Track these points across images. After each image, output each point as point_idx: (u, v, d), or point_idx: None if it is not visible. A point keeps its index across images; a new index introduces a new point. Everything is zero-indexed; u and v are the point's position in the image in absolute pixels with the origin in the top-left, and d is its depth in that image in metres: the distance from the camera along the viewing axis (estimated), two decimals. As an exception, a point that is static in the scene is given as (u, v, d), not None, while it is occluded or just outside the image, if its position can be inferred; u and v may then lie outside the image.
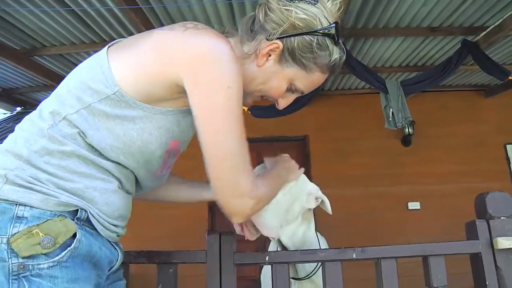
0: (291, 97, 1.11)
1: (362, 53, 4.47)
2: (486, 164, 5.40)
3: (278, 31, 0.98)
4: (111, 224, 0.97)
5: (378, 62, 4.80)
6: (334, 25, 1.00)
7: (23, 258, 0.81)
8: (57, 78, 4.53)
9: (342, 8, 1.14)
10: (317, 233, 1.56)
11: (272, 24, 0.99)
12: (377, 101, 4.54)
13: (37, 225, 0.83)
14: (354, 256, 1.30)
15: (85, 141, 0.92)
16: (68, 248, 0.85)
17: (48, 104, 0.96)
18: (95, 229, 0.94)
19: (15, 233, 0.82)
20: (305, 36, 0.99)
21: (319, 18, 0.99)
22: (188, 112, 0.98)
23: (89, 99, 0.92)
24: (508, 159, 5.54)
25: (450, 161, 5.44)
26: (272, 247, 1.67)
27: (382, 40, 4.23)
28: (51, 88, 5.07)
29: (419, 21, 3.85)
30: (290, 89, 1.07)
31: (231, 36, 1.07)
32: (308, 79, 1.05)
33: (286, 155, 1.38)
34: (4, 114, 6.28)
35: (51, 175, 0.88)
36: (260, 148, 5.78)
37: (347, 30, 3.77)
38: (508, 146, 5.55)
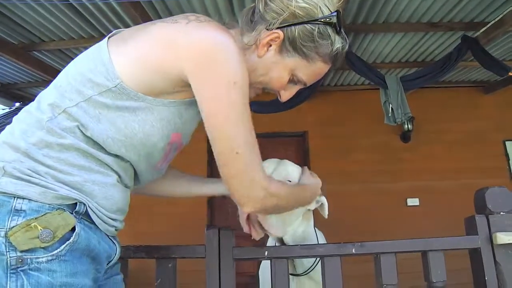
0: (293, 89, 1.09)
1: (362, 48, 4.46)
2: (485, 160, 5.40)
3: (278, 20, 0.97)
4: (109, 218, 0.97)
5: (378, 58, 4.79)
6: (335, 13, 0.99)
7: (22, 251, 0.80)
8: (56, 73, 4.38)
9: None
10: (315, 228, 1.56)
11: (272, 14, 0.98)
12: (377, 97, 4.53)
13: (36, 218, 0.83)
14: (353, 251, 1.30)
15: (85, 135, 0.92)
16: (67, 242, 0.84)
17: (47, 96, 0.95)
18: (94, 223, 0.93)
19: (13, 226, 0.81)
20: (306, 25, 0.97)
21: (320, 7, 0.98)
22: (190, 103, 0.97)
23: (89, 91, 0.91)
24: (507, 155, 5.54)
25: (449, 158, 5.45)
26: (271, 242, 1.67)
27: (382, 36, 4.22)
28: (50, 83, 5.07)
29: (419, 16, 3.84)
30: (292, 81, 1.06)
31: (231, 28, 1.06)
32: (310, 69, 1.03)
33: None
34: (3, 109, 6.28)
35: (49, 168, 0.88)
36: (260, 143, 5.79)
37: (346, 26, 3.76)
38: (507, 143, 5.55)
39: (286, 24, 0.97)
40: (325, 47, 1.01)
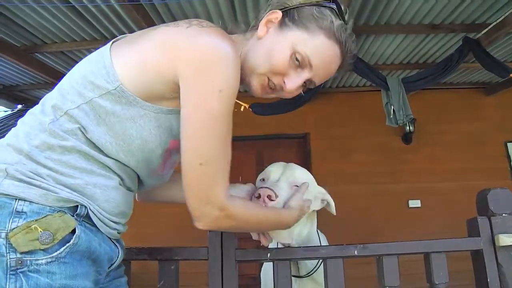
0: (300, 77, 1.02)
1: (364, 50, 4.47)
2: (486, 162, 5.39)
3: (278, 2, 1.02)
4: (111, 220, 0.97)
5: (379, 60, 4.79)
6: (334, 5, 1.02)
7: (21, 253, 0.81)
8: (58, 75, 4.51)
9: None
10: (318, 230, 1.56)
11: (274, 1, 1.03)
12: (378, 99, 4.53)
13: (36, 220, 0.83)
14: (355, 252, 1.30)
15: (86, 137, 0.92)
16: (67, 244, 0.85)
17: (51, 98, 0.96)
18: (95, 226, 0.94)
19: (13, 228, 0.82)
20: (305, 7, 1.01)
21: None
22: None
23: (90, 94, 0.92)
24: (508, 157, 5.53)
25: (451, 159, 5.44)
26: (273, 244, 1.67)
27: (384, 37, 4.22)
28: (52, 85, 5.07)
29: (421, 18, 3.84)
30: (298, 62, 1.00)
31: (234, 33, 1.07)
32: (312, 43, 0.99)
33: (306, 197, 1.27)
34: (5, 111, 6.29)
35: (51, 170, 0.88)
36: (261, 145, 5.82)
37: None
38: (509, 144, 5.54)
39: (286, 7, 1.01)
40: (325, 20, 1.00)
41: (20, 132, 0.93)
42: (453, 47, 4.36)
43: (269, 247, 1.32)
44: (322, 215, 1.47)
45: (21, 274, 0.80)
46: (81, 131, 0.92)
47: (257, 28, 1.04)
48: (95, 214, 0.92)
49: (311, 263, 1.50)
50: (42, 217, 0.84)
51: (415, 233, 4.73)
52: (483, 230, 1.31)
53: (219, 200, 0.92)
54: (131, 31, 3.76)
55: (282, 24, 1.01)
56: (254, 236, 1.24)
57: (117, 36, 1.06)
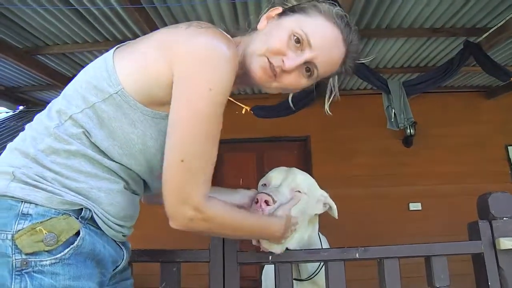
0: (297, 57, 0.99)
1: (365, 53, 4.47)
2: (487, 165, 5.39)
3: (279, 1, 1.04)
4: (116, 224, 0.98)
5: (380, 63, 4.80)
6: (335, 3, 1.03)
7: (26, 254, 0.82)
8: (60, 77, 4.55)
9: None
10: (319, 233, 1.57)
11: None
12: (379, 102, 4.54)
13: (41, 222, 0.84)
14: (357, 255, 1.31)
15: (90, 141, 0.93)
16: (71, 246, 0.86)
17: (56, 103, 0.97)
18: (100, 228, 0.94)
19: (19, 230, 0.83)
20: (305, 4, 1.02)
21: None
22: None
23: (93, 98, 0.93)
24: (509, 160, 5.53)
25: (452, 162, 5.44)
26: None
27: (385, 41, 4.23)
28: (54, 87, 5.11)
29: (422, 22, 3.85)
30: (295, 42, 0.98)
31: (237, 35, 1.08)
32: (311, 23, 0.99)
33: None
34: (7, 113, 6.30)
35: (56, 174, 0.89)
36: (262, 148, 5.82)
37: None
38: (509, 148, 5.55)
39: (287, 5, 1.03)
40: (324, 5, 1.01)
41: (27, 136, 0.95)
42: (454, 50, 4.37)
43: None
44: (322, 217, 1.48)
45: (26, 275, 0.82)
46: (85, 135, 0.93)
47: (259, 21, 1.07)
48: (99, 217, 0.93)
49: (312, 266, 1.51)
50: (47, 219, 0.85)
51: (416, 236, 4.74)
52: (484, 234, 1.31)
53: (195, 200, 0.89)
54: (133, 33, 3.77)
55: (281, 14, 1.03)
56: (254, 241, 1.23)
57: (119, 39, 1.08)
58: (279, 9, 1.04)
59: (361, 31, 3.95)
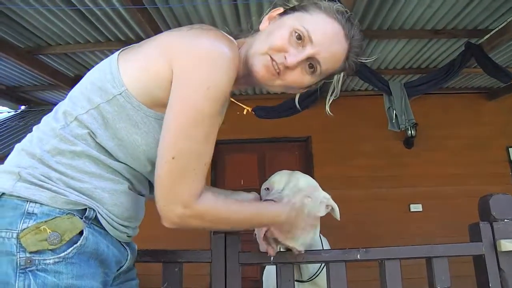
0: (299, 53, 0.98)
1: (366, 54, 4.44)
2: (488, 166, 5.39)
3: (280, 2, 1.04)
4: (120, 224, 0.99)
5: (382, 64, 4.81)
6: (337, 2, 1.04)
7: (30, 253, 0.83)
8: (62, 77, 4.55)
9: None
10: (320, 235, 1.57)
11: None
12: (380, 103, 4.55)
13: (45, 221, 0.85)
14: (358, 256, 1.31)
15: (96, 141, 0.94)
16: (75, 245, 0.87)
17: (63, 105, 0.99)
18: (104, 228, 0.95)
19: (24, 229, 0.84)
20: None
21: None
22: None
23: (98, 99, 0.94)
24: (510, 162, 5.54)
25: (452, 164, 5.44)
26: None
27: (386, 42, 4.24)
28: (56, 87, 5.12)
29: (423, 23, 3.86)
30: (296, 39, 0.98)
31: (239, 37, 1.09)
32: (312, 19, 0.99)
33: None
34: (9, 112, 6.31)
35: (61, 174, 0.91)
36: (263, 148, 5.82)
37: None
38: (510, 149, 5.55)
39: (288, 5, 1.04)
40: (324, 2, 1.02)
41: (34, 137, 0.96)
42: (455, 52, 4.38)
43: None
44: (323, 218, 1.48)
45: (29, 273, 0.83)
46: (90, 136, 0.94)
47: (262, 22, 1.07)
48: (104, 218, 0.94)
49: (313, 268, 1.51)
50: (51, 219, 0.86)
51: (416, 237, 4.75)
52: (485, 235, 1.31)
53: (184, 198, 0.88)
54: (135, 34, 3.78)
55: (283, 14, 1.04)
56: (262, 248, 1.21)
57: (121, 39, 1.09)
58: (281, 10, 1.05)
59: (363, 32, 3.94)
